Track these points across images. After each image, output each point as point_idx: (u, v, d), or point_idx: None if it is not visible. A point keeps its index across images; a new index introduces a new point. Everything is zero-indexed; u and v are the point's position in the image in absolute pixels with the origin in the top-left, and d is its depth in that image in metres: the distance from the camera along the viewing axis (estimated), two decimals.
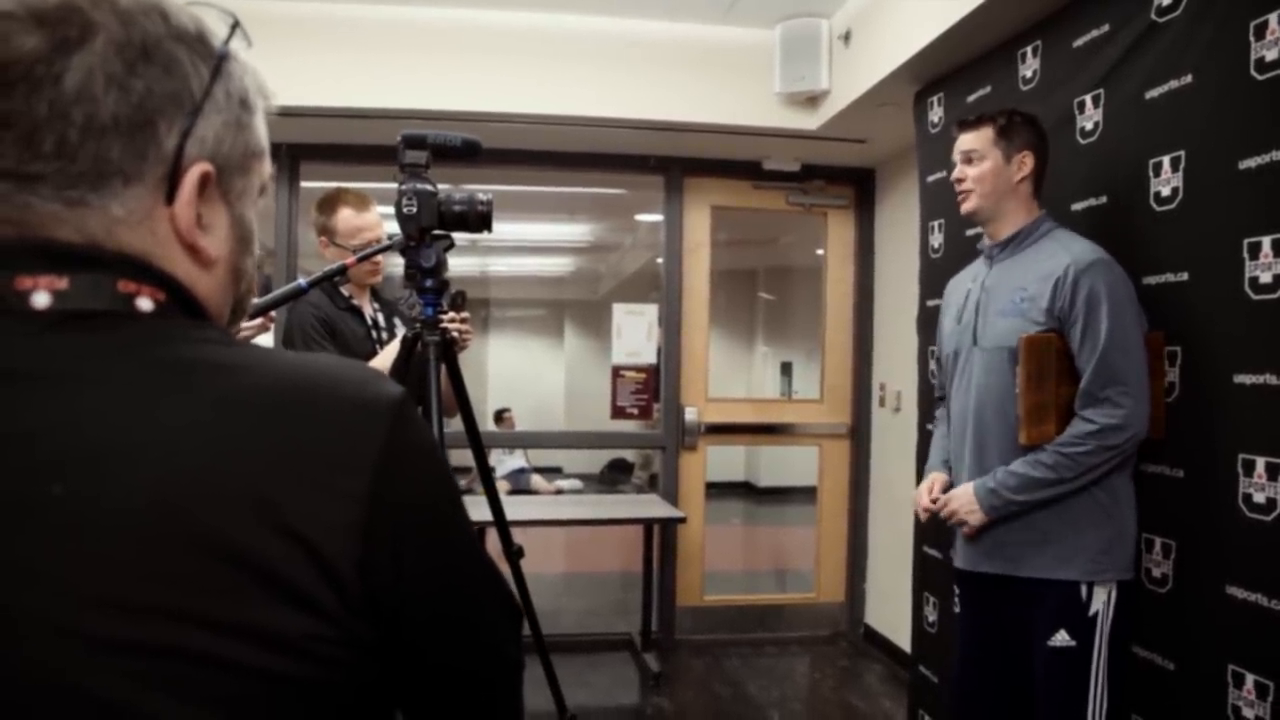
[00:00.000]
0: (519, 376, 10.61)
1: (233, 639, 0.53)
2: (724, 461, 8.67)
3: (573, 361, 11.14)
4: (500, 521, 2.07)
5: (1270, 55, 1.74)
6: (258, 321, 2.05)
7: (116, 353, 0.58)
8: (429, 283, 1.87)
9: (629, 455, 9.91)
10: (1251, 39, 1.77)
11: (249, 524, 0.54)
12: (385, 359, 2.21)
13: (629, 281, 8.87)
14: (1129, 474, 1.98)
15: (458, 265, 9.65)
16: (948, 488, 2.18)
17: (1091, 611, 1.94)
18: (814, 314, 4.59)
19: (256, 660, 0.53)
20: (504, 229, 7.42)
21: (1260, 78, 1.75)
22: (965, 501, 2.07)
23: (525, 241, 8.40)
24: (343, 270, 1.90)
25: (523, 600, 2.13)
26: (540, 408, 10.14)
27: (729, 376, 9.28)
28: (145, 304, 0.60)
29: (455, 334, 2.07)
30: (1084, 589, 1.94)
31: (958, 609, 2.28)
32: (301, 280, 1.79)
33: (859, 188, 4.44)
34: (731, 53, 3.65)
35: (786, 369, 9.58)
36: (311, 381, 0.61)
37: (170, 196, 0.61)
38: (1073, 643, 1.93)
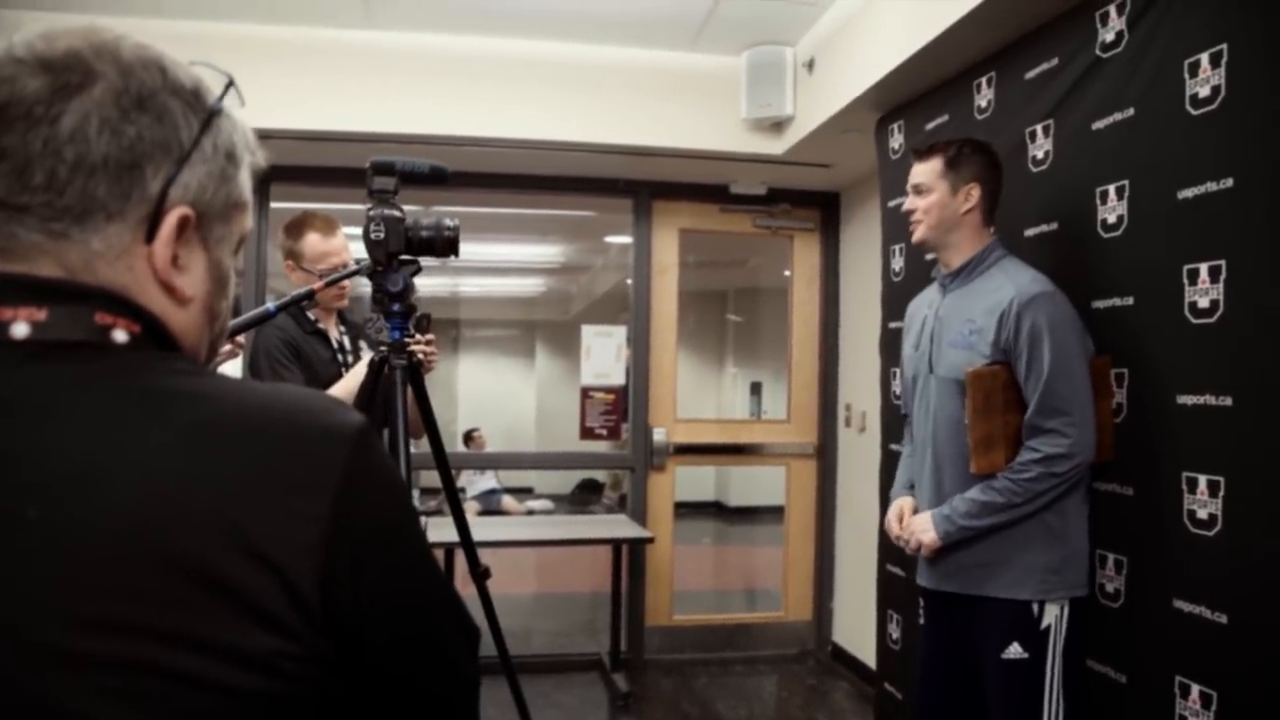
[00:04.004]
0: (490, 397, 10.58)
1: (203, 656, 0.56)
2: (694, 481, 8.69)
3: (544, 382, 11.14)
4: (467, 542, 2.08)
5: (1203, 92, 1.82)
6: (227, 347, 2.07)
7: (92, 382, 0.61)
8: (396, 307, 1.89)
9: (600, 476, 9.91)
10: (1186, 76, 1.85)
11: (218, 546, 0.57)
12: (351, 382, 2.23)
13: (600, 302, 8.91)
14: (1081, 496, 2.05)
15: (429, 285, 9.67)
16: (915, 511, 2.24)
17: (1043, 625, 2.00)
18: (782, 335, 4.65)
19: (226, 677, 0.56)
20: (475, 250, 7.46)
21: (1195, 113, 1.84)
22: (921, 526, 2.14)
23: (496, 262, 8.42)
24: (310, 295, 1.92)
25: (489, 621, 2.14)
26: (511, 428, 10.12)
27: (699, 397, 9.32)
28: (120, 335, 0.63)
29: (421, 356, 2.10)
30: (1035, 606, 2.00)
31: (923, 623, 2.34)
32: (270, 304, 1.81)
33: (824, 211, 4.52)
34: (699, 79, 3.72)
35: (756, 389, 9.64)
36: (277, 410, 0.64)
37: (150, 236, 0.65)
38: (1025, 655, 1.99)
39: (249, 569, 0.57)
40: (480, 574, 2.09)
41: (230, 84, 0.70)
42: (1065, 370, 1.96)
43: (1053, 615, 2.00)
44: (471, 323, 11.30)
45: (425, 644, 0.68)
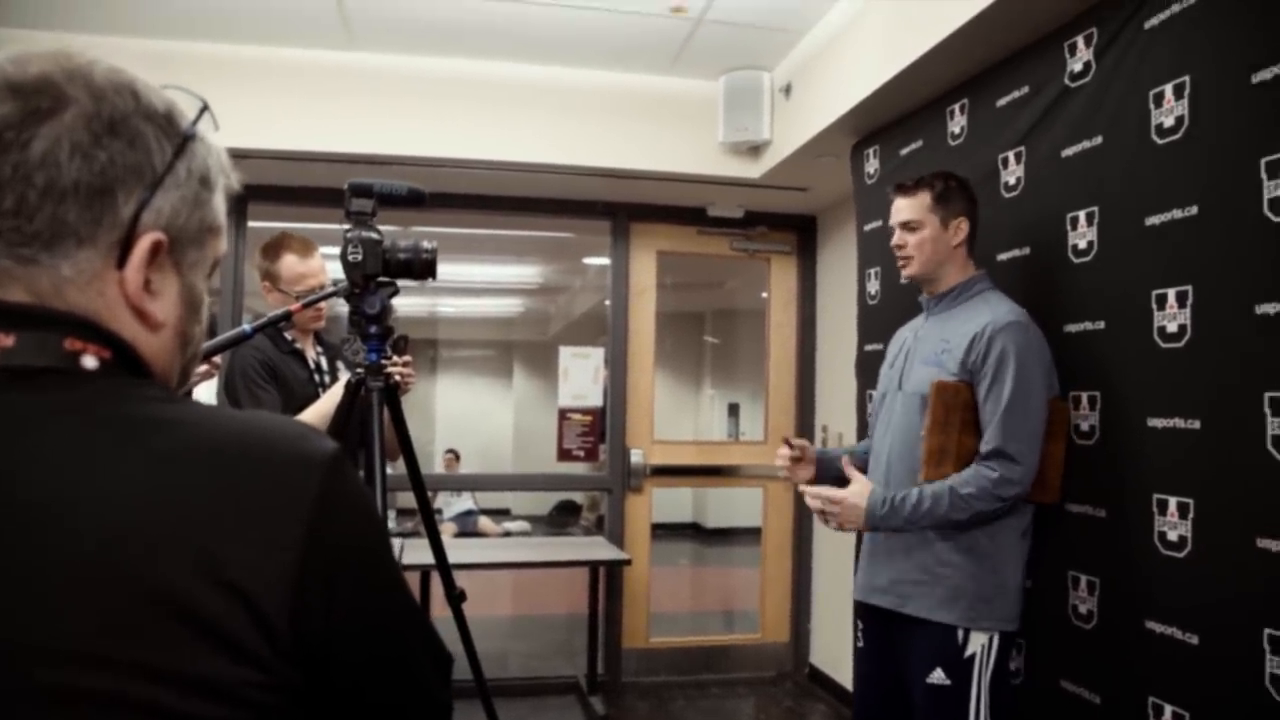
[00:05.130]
0: (467, 417, 10.53)
1: (172, 688, 0.55)
2: (672, 503, 8.68)
3: (521, 403, 11.10)
4: (443, 565, 2.07)
5: (1168, 122, 1.86)
6: (204, 368, 2.06)
7: (61, 409, 0.60)
8: (373, 329, 1.89)
9: (577, 497, 9.88)
10: (1151, 107, 1.90)
11: (188, 575, 0.57)
12: (327, 403, 2.21)
13: (578, 323, 8.91)
14: (1021, 531, 2.07)
15: (407, 305, 9.62)
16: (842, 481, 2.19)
17: (968, 654, 2.01)
18: (759, 357, 4.67)
19: (194, 709, 0.56)
20: (453, 270, 7.46)
21: (1160, 142, 1.88)
22: (853, 508, 2.07)
23: (474, 283, 8.41)
24: (288, 316, 1.92)
25: (465, 644, 2.13)
26: (488, 449, 10.07)
27: (677, 418, 9.33)
28: (90, 362, 0.62)
29: (398, 378, 2.09)
30: (960, 633, 2.02)
31: (860, 644, 2.34)
32: (246, 325, 1.80)
33: (801, 234, 4.56)
34: (677, 103, 3.76)
35: (734, 410, 9.67)
36: (250, 437, 0.64)
37: (122, 261, 0.64)
38: (948, 681, 2.01)
39: (219, 598, 0.57)
40: (456, 597, 2.08)
41: (205, 108, 0.70)
42: (1024, 400, 1.98)
43: (979, 644, 2.01)
44: (449, 343, 11.25)
45: (397, 671, 0.68)
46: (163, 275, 0.67)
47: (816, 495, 2.13)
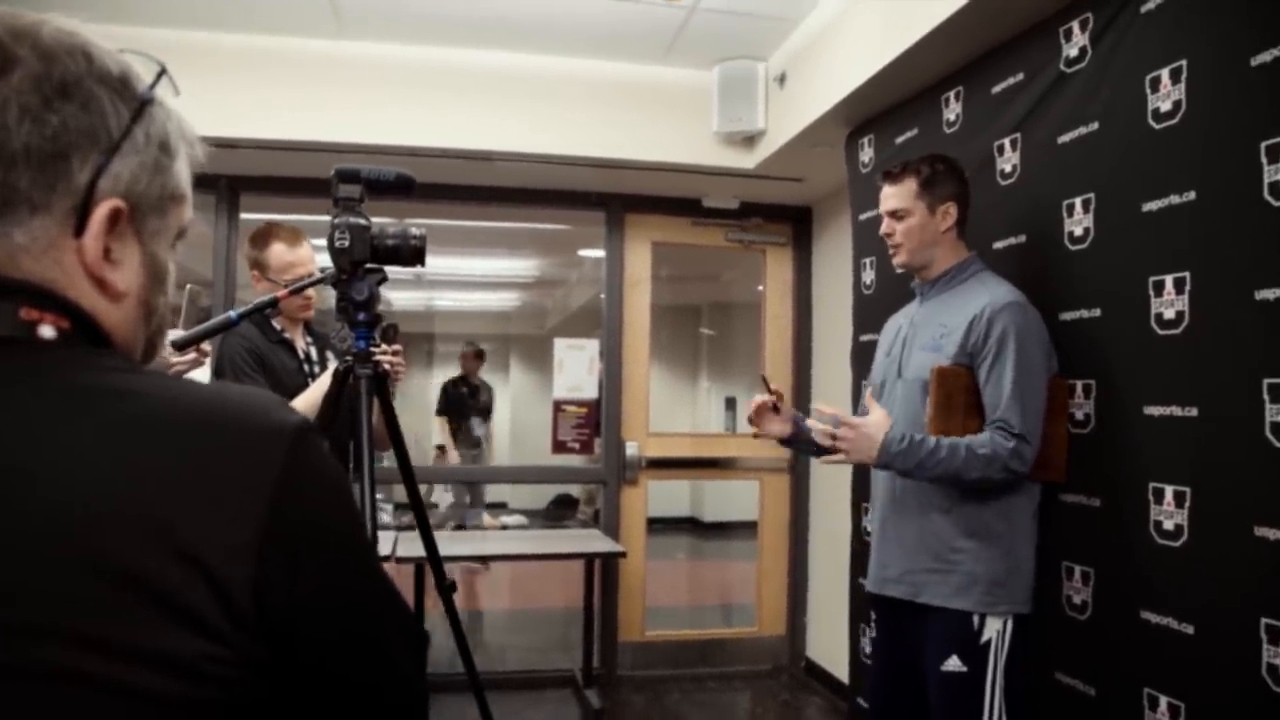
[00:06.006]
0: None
1: (128, 662, 0.54)
2: (669, 497, 8.66)
3: (518, 396, 11.07)
4: (433, 556, 2.05)
5: (1164, 107, 1.84)
6: (191, 356, 2.03)
7: (16, 378, 0.58)
8: (361, 316, 1.86)
9: (574, 491, 9.85)
10: (1148, 91, 1.88)
11: (145, 547, 0.55)
12: (316, 392, 2.19)
13: (575, 316, 8.88)
14: (1032, 511, 2.05)
15: (403, 299, 9.61)
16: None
17: (984, 639, 1.99)
18: (756, 350, 4.65)
19: (151, 683, 0.54)
20: (448, 263, 7.43)
21: (1157, 127, 1.86)
22: (867, 441, 1.99)
23: (471, 276, 8.38)
24: (274, 303, 1.89)
25: (456, 636, 2.11)
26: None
27: (673, 411, 9.30)
28: (48, 331, 0.61)
29: (388, 367, 2.07)
30: (975, 619, 2.00)
31: (873, 633, 2.33)
32: (232, 313, 1.77)
33: (796, 225, 4.54)
34: (671, 92, 3.73)
35: (731, 403, 9.65)
36: (214, 408, 0.62)
37: (79, 229, 0.62)
38: (964, 668, 1.99)
39: (177, 571, 0.55)
40: (446, 588, 2.06)
41: (163, 72, 0.67)
42: (1026, 379, 1.96)
43: (994, 630, 2.00)
44: (446, 337, 11.22)
45: (367, 648, 0.66)
46: (123, 244, 0.65)
47: (832, 417, 2.04)
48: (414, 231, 1.88)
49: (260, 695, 0.59)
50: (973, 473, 1.95)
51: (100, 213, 0.62)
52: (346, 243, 1.81)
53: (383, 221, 1.90)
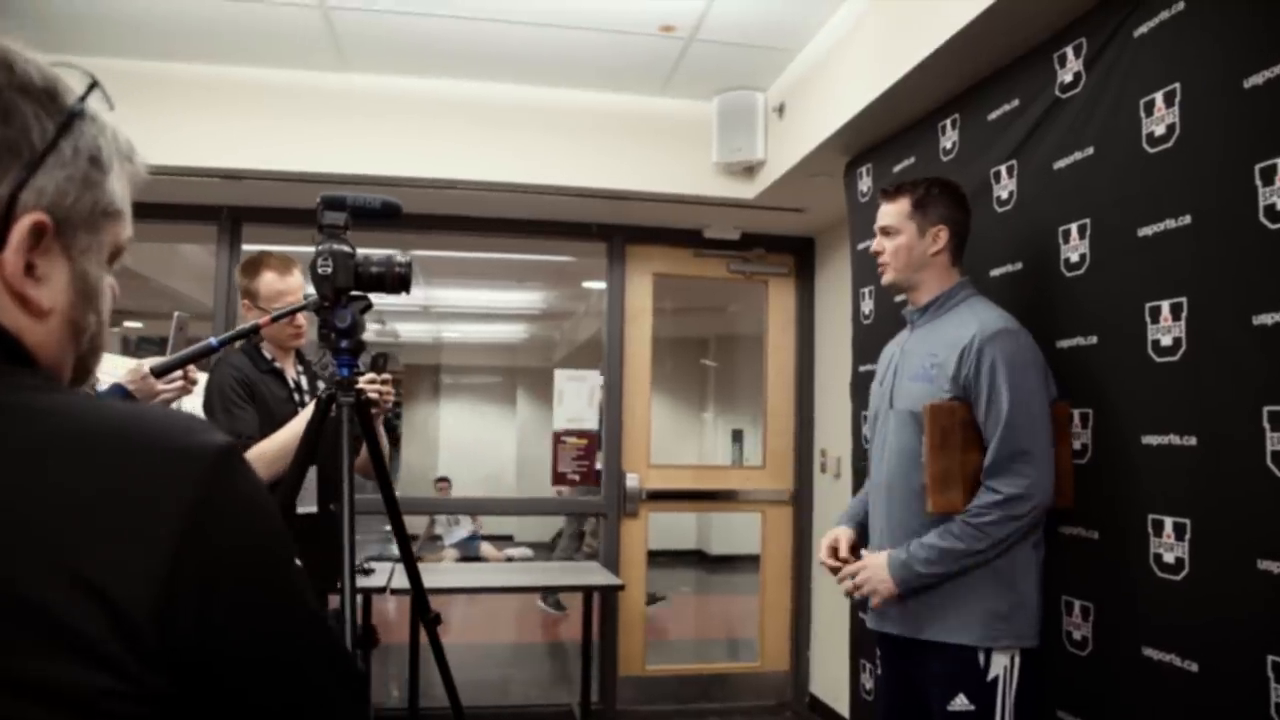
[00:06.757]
0: (471, 444, 10.48)
1: (19, 698, 0.51)
2: (675, 530, 8.58)
3: (525, 429, 11.04)
4: (416, 587, 2.01)
5: (1159, 131, 1.81)
6: (178, 384, 2.01)
7: None
8: (344, 343, 1.85)
9: (587, 525, 9.78)
10: (1142, 115, 1.85)
11: (39, 573, 0.52)
12: (300, 421, 2.17)
13: (583, 348, 8.86)
14: (1032, 543, 1.99)
15: (410, 332, 9.63)
16: (855, 548, 2.17)
17: (990, 677, 1.92)
18: (760, 381, 4.62)
19: (35, 718, 0.51)
20: (454, 295, 7.44)
21: (1152, 151, 1.83)
22: (877, 571, 2.04)
23: (478, 308, 8.39)
24: (256, 329, 1.88)
25: (441, 669, 2.06)
26: (492, 475, 10.01)
27: (678, 443, 9.25)
28: None
29: (375, 396, 2.05)
30: (981, 655, 1.94)
31: (878, 671, 2.26)
32: (212, 339, 1.76)
33: (799, 256, 4.52)
34: (670, 123, 3.74)
35: (738, 436, 9.58)
36: (131, 429, 0.60)
37: (0, 244, 0.60)
38: (971, 707, 1.92)
39: (73, 599, 0.52)
40: (430, 620, 2.02)
41: (94, 85, 0.66)
42: (1024, 409, 1.91)
43: (1001, 666, 1.93)
44: (453, 369, 11.23)
45: (287, 675, 0.63)
46: (49, 260, 0.63)
47: (843, 578, 2.13)
48: (399, 259, 1.87)
49: None
50: (979, 543, 1.91)
51: (21, 227, 0.60)
52: (330, 269, 1.81)
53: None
